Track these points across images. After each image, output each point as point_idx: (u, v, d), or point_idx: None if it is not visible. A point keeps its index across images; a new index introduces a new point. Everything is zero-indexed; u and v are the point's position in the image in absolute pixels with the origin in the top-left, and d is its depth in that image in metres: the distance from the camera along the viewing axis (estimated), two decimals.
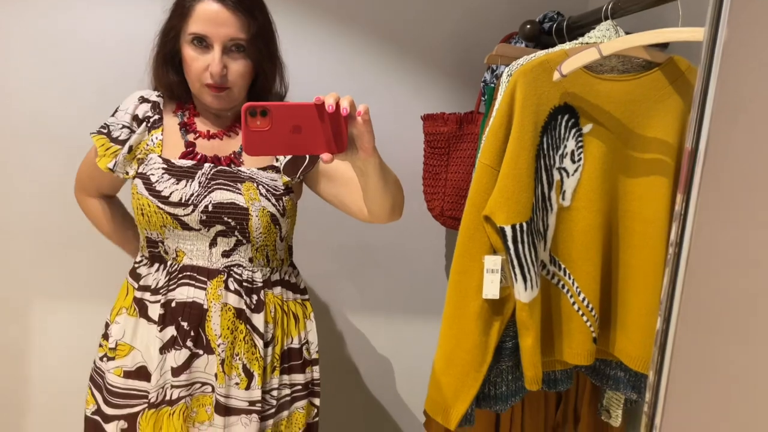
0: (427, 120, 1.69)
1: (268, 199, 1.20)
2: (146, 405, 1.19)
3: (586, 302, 1.20)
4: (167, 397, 1.19)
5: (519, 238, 1.13)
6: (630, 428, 1.49)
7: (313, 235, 1.77)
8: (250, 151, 0.89)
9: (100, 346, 1.24)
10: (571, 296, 1.21)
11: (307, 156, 1.24)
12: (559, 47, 1.21)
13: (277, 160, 1.24)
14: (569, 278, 1.21)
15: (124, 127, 1.23)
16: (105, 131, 1.23)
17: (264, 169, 1.23)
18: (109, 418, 1.20)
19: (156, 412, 1.18)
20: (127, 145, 1.21)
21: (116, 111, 1.25)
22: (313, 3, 1.71)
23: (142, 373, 1.20)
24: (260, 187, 1.20)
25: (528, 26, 1.46)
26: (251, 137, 0.87)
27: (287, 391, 1.27)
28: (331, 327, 1.89)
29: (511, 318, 1.19)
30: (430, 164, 1.70)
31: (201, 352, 1.19)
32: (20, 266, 1.66)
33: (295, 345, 1.28)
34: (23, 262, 1.66)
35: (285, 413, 1.26)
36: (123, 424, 1.20)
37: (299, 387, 1.28)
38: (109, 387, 1.20)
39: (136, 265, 1.26)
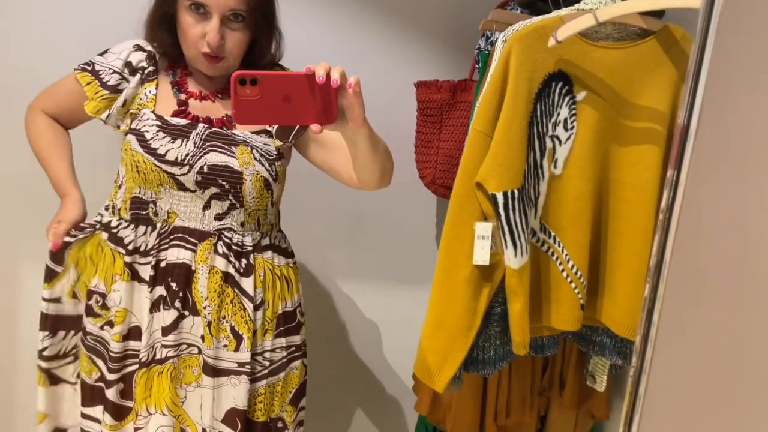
0: (420, 87, 1.68)
1: (262, 164, 1.20)
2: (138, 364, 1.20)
3: (575, 269, 1.21)
4: (157, 356, 1.20)
5: (510, 205, 1.14)
6: (615, 393, 1.53)
7: (303, 202, 1.77)
8: (239, 119, 0.89)
9: (97, 315, 1.22)
10: (560, 263, 1.22)
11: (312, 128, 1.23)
12: (555, 13, 1.20)
13: (270, 125, 1.24)
14: (559, 246, 1.22)
15: (115, 72, 1.20)
16: (90, 69, 1.20)
17: (257, 133, 1.22)
18: (110, 384, 1.20)
19: (147, 371, 1.20)
20: (122, 98, 1.18)
21: (106, 52, 1.22)
22: None
23: (135, 333, 1.20)
24: (254, 151, 1.19)
25: None
26: (241, 106, 0.87)
27: (284, 353, 1.28)
28: (320, 292, 1.90)
29: (500, 284, 1.20)
30: (423, 132, 1.70)
31: (187, 313, 1.20)
32: (9, 229, 1.65)
33: (290, 308, 1.30)
34: (12, 226, 1.65)
35: (282, 374, 1.28)
36: (120, 385, 1.21)
37: (294, 348, 1.30)
38: (111, 354, 1.20)
39: (114, 229, 1.22)
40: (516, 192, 1.14)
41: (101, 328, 1.22)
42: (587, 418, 1.52)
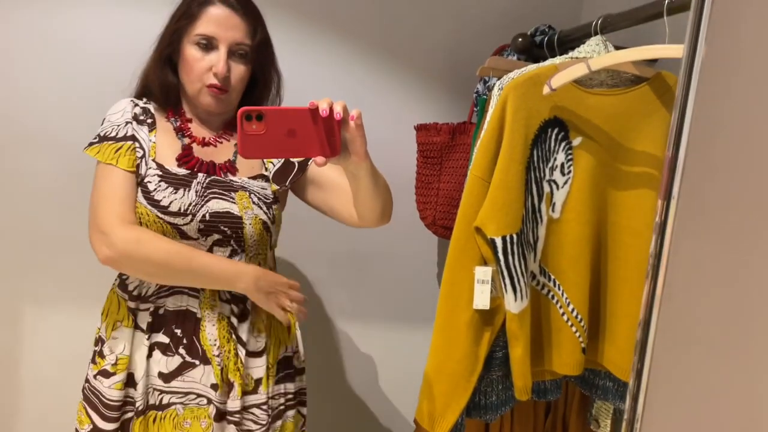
0: (420, 130, 1.70)
1: (260, 207, 1.21)
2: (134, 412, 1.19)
3: (575, 313, 1.21)
4: (155, 402, 1.19)
5: (509, 250, 1.15)
6: None
7: (303, 242, 1.78)
8: (245, 153, 0.91)
9: (94, 363, 1.22)
10: (560, 307, 1.22)
11: (297, 163, 1.26)
12: (549, 61, 1.23)
13: (266, 169, 1.26)
14: (559, 289, 1.23)
15: (126, 124, 1.19)
16: (96, 141, 1.19)
17: (254, 177, 1.24)
18: None
19: (144, 419, 1.19)
20: (149, 143, 1.19)
21: (105, 121, 1.22)
22: (308, 14, 1.73)
23: (131, 380, 1.20)
24: (252, 195, 1.21)
25: (520, 39, 1.48)
26: (247, 140, 0.90)
27: (281, 400, 1.28)
28: (320, 334, 1.90)
29: (501, 328, 1.20)
30: (423, 174, 1.72)
31: (197, 362, 1.19)
32: (11, 272, 1.66)
33: (289, 353, 1.30)
34: (14, 268, 1.66)
35: (278, 423, 1.27)
36: None
37: (290, 396, 1.29)
38: (106, 402, 1.19)
39: (124, 277, 1.23)
40: (515, 236, 1.15)
41: (95, 377, 1.21)
42: None
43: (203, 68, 1.17)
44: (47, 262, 1.67)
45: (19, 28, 1.58)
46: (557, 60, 1.22)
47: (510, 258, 1.15)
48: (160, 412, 1.19)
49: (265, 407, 1.22)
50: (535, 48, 1.50)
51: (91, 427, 1.21)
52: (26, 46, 1.59)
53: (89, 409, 1.22)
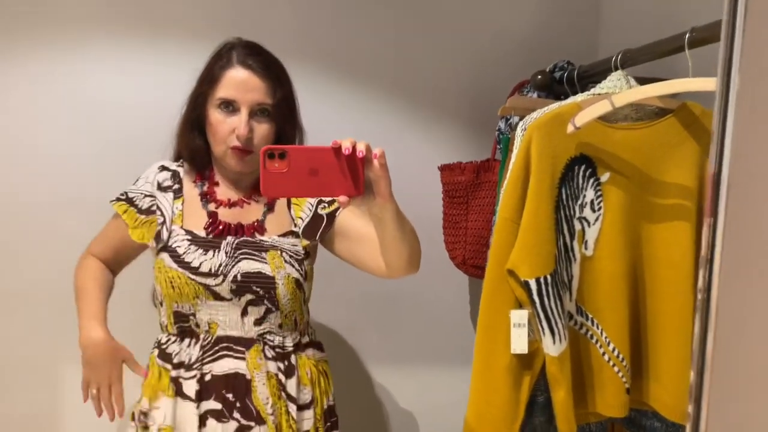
0: (444, 170, 1.71)
1: (292, 265, 1.22)
2: None
3: (616, 352, 1.18)
4: None
5: (544, 291, 1.13)
6: None
7: (333, 284, 1.77)
8: (266, 192, 0.91)
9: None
10: (600, 346, 1.19)
11: (325, 216, 1.26)
12: (571, 99, 1.23)
13: (295, 225, 1.27)
14: (597, 328, 1.20)
15: (146, 195, 1.25)
16: (124, 198, 1.25)
17: (284, 235, 1.25)
18: None
19: None
20: (168, 219, 1.23)
21: (137, 180, 1.28)
22: (328, 63, 1.76)
23: None
24: (284, 254, 1.22)
25: (539, 77, 1.48)
26: (269, 179, 0.89)
27: None
28: (352, 379, 1.88)
29: (541, 371, 1.18)
30: (450, 213, 1.71)
31: (253, 423, 1.18)
32: (51, 333, 1.68)
33: (331, 402, 1.31)
34: (54, 329, 1.68)
35: None
36: None
37: None
38: None
39: (164, 345, 1.24)
40: (549, 277, 1.14)
41: None
42: None
43: (226, 131, 1.19)
44: None
45: (44, 86, 1.64)
46: (579, 97, 1.22)
47: (546, 300, 1.13)
48: None
49: None
50: (555, 84, 1.50)
51: None
52: (52, 104, 1.65)
53: None
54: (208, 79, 1.21)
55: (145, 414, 1.21)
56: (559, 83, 1.50)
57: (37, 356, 1.69)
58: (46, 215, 1.66)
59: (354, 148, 0.89)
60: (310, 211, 1.27)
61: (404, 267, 1.15)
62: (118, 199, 1.26)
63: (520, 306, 1.17)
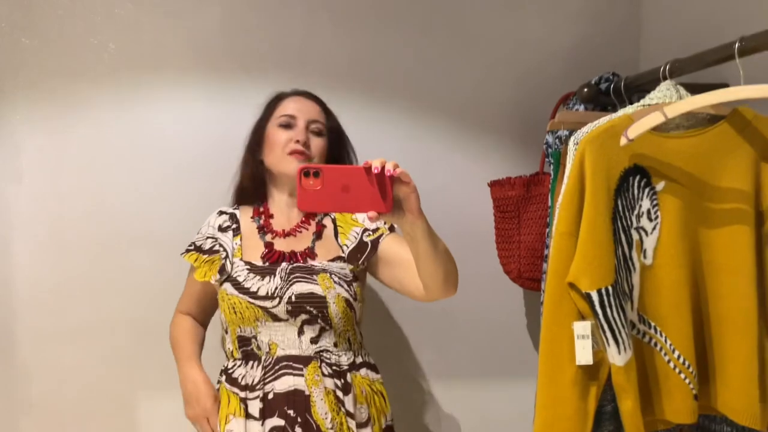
0: (494, 186, 1.74)
1: (341, 286, 1.30)
2: None
3: (681, 359, 1.19)
4: None
5: (606, 302, 1.15)
6: None
7: (388, 299, 1.81)
8: (303, 206, 1.01)
9: None
10: (665, 354, 1.20)
11: (369, 243, 1.36)
12: (621, 111, 1.25)
13: (342, 251, 1.36)
14: (661, 336, 1.21)
15: (208, 238, 1.39)
16: (192, 248, 1.39)
17: (333, 260, 1.35)
18: None
19: None
20: (230, 254, 1.34)
21: (198, 232, 1.43)
22: (374, 91, 1.82)
23: None
24: (333, 276, 1.31)
25: (585, 89, 1.51)
26: (305, 195, 0.99)
27: None
28: (410, 395, 1.90)
29: (607, 381, 1.19)
30: (502, 228, 1.74)
31: None
32: (125, 362, 1.77)
33: (390, 422, 1.36)
34: (127, 358, 1.76)
35: None
36: None
37: None
38: None
39: (230, 371, 1.33)
40: (610, 288, 1.15)
41: None
42: None
43: (286, 139, 1.35)
44: (155, 350, 1.77)
45: (108, 129, 1.73)
46: (630, 109, 1.24)
47: (608, 310, 1.15)
48: None
49: None
50: (601, 96, 1.52)
51: None
52: (116, 146, 1.74)
53: None
54: (270, 107, 1.40)
55: None
56: (605, 95, 1.52)
57: (114, 386, 1.77)
58: (117, 250, 1.75)
59: (383, 167, 0.97)
60: (356, 238, 1.36)
61: (441, 287, 1.21)
62: (188, 250, 1.40)
63: (582, 318, 1.18)
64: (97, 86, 1.72)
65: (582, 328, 1.17)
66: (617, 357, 1.15)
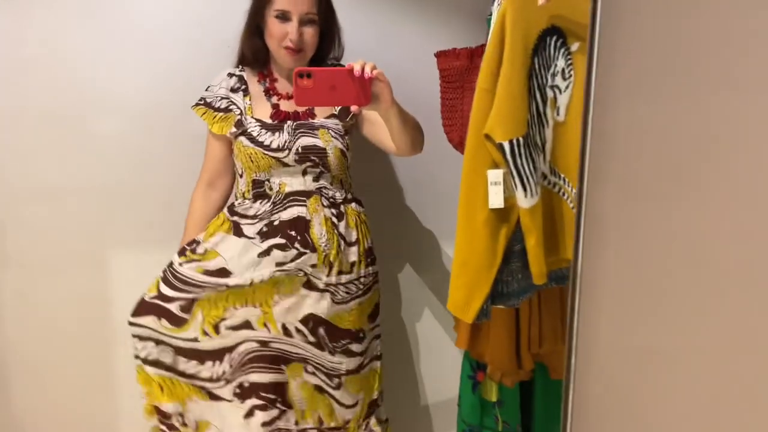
0: (440, 56, 1.80)
1: (337, 139, 1.57)
2: (211, 292, 1.54)
3: None
4: (255, 281, 1.53)
5: (516, 152, 1.27)
6: None
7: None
8: (298, 102, 1.32)
9: (183, 255, 1.56)
10: (570, 201, 1.34)
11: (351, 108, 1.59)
12: None
13: (335, 109, 1.61)
14: (568, 186, 1.35)
15: (222, 98, 1.60)
16: (202, 102, 1.60)
17: (328, 117, 1.60)
18: (169, 299, 1.54)
19: (238, 291, 1.54)
20: (237, 110, 1.58)
21: (208, 87, 1.62)
22: None
23: (220, 273, 1.54)
24: (330, 131, 1.57)
25: None
26: (299, 92, 1.30)
27: (370, 279, 1.64)
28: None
29: (516, 224, 1.34)
30: (447, 98, 1.82)
31: (308, 251, 1.55)
32: (95, 221, 1.90)
33: (371, 244, 1.66)
34: (98, 216, 1.90)
35: (369, 295, 1.66)
36: (182, 302, 1.54)
37: (374, 275, 1.66)
38: (182, 278, 1.53)
39: (236, 206, 1.59)
40: (521, 139, 1.27)
41: (180, 264, 1.56)
42: None
43: (281, 35, 1.52)
44: (125, 210, 1.90)
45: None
46: None
47: (518, 159, 1.27)
48: (260, 283, 1.55)
49: (356, 282, 1.61)
50: None
51: (156, 293, 1.55)
52: (84, 14, 1.79)
53: (162, 284, 1.56)
54: None
55: (198, 243, 1.57)
56: None
57: (85, 245, 1.91)
58: (85, 118, 1.83)
59: (363, 69, 1.28)
60: None
61: (409, 150, 1.57)
62: (197, 104, 1.61)
63: (496, 166, 1.31)
64: None
65: (495, 175, 1.30)
66: (524, 200, 1.29)
